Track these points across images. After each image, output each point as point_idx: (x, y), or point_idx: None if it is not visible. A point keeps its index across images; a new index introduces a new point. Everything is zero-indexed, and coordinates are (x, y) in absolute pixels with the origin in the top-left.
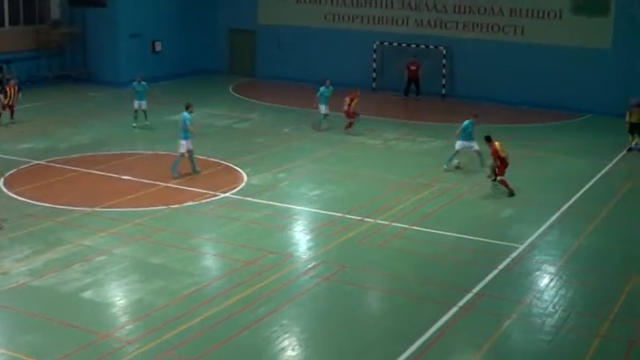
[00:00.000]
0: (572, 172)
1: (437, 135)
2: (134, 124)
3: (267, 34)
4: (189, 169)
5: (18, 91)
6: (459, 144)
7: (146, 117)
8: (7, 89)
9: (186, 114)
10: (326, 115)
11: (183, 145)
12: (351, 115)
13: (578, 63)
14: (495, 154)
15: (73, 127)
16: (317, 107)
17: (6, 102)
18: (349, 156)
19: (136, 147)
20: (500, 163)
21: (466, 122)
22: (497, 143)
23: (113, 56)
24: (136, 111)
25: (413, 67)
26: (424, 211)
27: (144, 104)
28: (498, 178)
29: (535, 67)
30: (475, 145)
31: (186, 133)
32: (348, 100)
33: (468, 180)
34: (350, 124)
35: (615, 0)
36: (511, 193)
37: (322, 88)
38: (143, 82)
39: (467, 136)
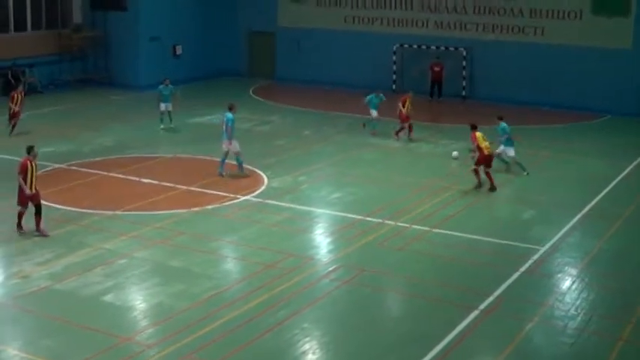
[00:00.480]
0: (592, 173)
1: (458, 137)
2: (162, 126)
3: (286, 37)
4: (235, 170)
5: (24, 97)
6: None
7: (171, 119)
8: (15, 95)
9: (230, 115)
10: (377, 119)
11: (232, 145)
12: (405, 119)
13: (599, 63)
14: (474, 142)
15: (95, 131)
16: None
17: (16, 108)
18: (370, 159)
19: (157, 150)
20: (479, 153)
21: (502, 125)
22: (479, 133)
23: (134, 60)
24: (162, 113)
25: (437, 69)
26: (445, 214)
27: (170, 106)
28: (472, 166)
29: (555, 68)
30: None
31: (225, 135)
32: (400, 103)
33: (489, 182)
34: (402, 129)
35: (636, 0)
36: (488, 187)
37: (371, 96)
38: (170, 85)
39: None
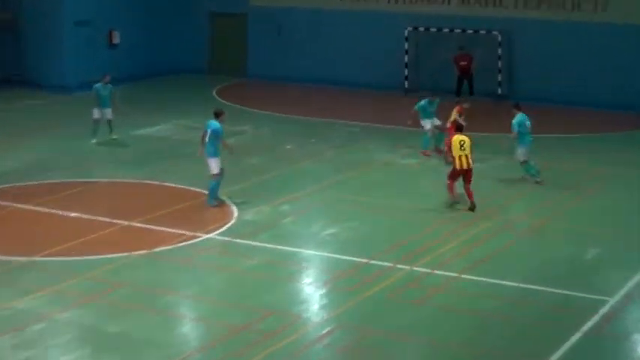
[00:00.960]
0: None
1: (493, 150)
2: (94, 140)
3: (262, 19)
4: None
5: None
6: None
7: (111, 130)
8: None
9: (215, 123)
10: (431, 130)
11: (215, 164)
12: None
13: None
14: (447, 146)
15: (3, 149)
16: (409, 124)
17: None
18: (375, 181)
19: (89, 173)
20: (453, 161)
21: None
22: (458, 138)
23: (56, 51)
24: (96, 122)
25: (463, 63)
26: (478, 254)
27: (109, 113)
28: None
29: (624, 57)
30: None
31: (216, 149)
32: (455, 112)
33: (539, 209)
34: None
35: None
36: (456, 202)
37: (424, 102)
38: (109, 84)
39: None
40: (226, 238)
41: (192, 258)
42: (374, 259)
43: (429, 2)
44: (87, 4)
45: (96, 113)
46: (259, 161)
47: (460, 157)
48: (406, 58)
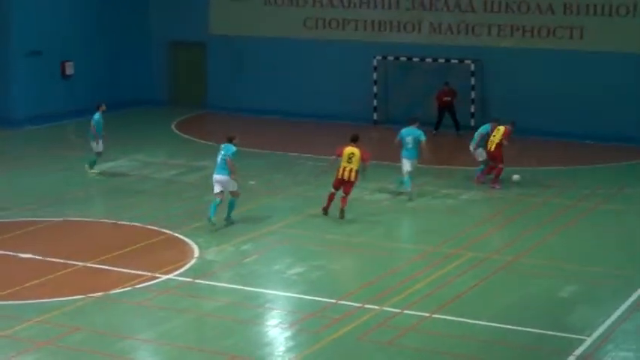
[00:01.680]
0: None
1: (466, 185)
2: (95, 170)
3: (223, 49)
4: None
5: None
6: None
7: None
8: None
9: (230, 146)
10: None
11: (233, 183)
12: (494, 157)
13: None
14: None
15: None
16: (474, 152)
17: None
18: (343, 218)
19: (40, 211)
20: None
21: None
22: (349, 149)
23: (4, 83)
24: (99, 154)
25: (447, 99)
26: (451, 293)
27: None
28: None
29: (600, 86)
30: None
31: (222, 169)
32: (504, 136)
33: (511, 245)
34: (491, 170)
35: None
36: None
37: (486, 126)
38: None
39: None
40: (186, 279)
41: (151, 300)
42: (342, 300)
43: (398, 31)
44: (38, 34)
45: (98, 145)
46: (221, 197)
47: (345, 168)
48: (375, 89)
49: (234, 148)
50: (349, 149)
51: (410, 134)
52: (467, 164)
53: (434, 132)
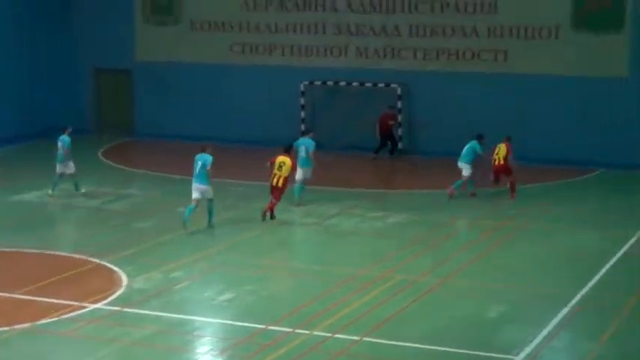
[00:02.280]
0: (582, 249)
1: (394, 208)
2: (83, 190)
3: (149, 75)
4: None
5: None
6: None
7: (56, 186)
8: None
9: (206, 156)
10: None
11: (210, 190)
12: (506, 170)
13: (585, 100)
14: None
15: None
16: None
17: None
18: (272, 242)
19: None
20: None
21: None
22: (280, 158)
23: None
24: (73, 175)
25: (391, 122)
26: (380, 316)
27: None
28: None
29: (524, 108)
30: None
31: (202, 178)
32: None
33: (439, 267)
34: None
35: (633, 9)
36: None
37: (477, 146)
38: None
39: None
40: (115, 308)
41: (79, 330)
42: (272, 325)
43: (325, 55)
44: None
45: (66, 168)
46: (150, 225)
47: (274, 175)
48: (302, 114)
49: (210, 158)
50: (280, 158)
51: (303, 144)
52: (395, 187)
53: (374, 156)
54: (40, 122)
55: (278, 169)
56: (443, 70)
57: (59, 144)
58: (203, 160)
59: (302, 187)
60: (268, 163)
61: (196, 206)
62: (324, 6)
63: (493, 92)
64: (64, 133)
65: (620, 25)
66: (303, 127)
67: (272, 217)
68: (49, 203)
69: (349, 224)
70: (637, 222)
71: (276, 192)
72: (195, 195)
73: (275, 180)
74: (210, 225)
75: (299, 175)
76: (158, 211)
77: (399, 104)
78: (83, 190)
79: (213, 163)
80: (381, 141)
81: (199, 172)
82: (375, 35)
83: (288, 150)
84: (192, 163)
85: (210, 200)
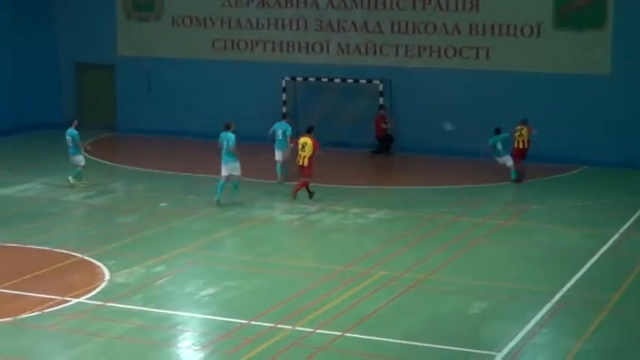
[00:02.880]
0: (565, 247)
1: (376, 204)
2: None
3: (131, 70)
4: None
5: None
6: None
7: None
8: None
9: (230, 134)
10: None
11: (226, 169)
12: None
13: (567, 96)
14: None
15: None
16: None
17: None
18: (254, 238)
19: None
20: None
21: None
22: (302, 140)
23: None
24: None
25: (384, 125)
26: (362, 312)
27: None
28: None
29: (506, 104)
30: None
31: (228, 156)
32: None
33: (422, 263)
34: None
35: (615, 6)
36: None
37: (502, 135)
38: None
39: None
40: (97, 302)
41: (61, 324)
42: (254, 320)
43: (307, 52)
44: None
45: (82, 160)
46: (132, 220)
47: (299, 156)
48: (284, 109)
49: (233, 136)
50: (303, 139)
51: (280, 127)
52: (378, 183)
53: (370, 154)
54: (21, 118)
55: (301, 150)
56: (425, 67)
57: (67, 137)
58: (227, 138)
59: (281, 167)
60: (292, 145)
61: (225, 182)
62: (305, 2)
63: (475, 89)
64: (71, 126)
65: (601, 22)
66: (283, 111)
67: (310, 195)
68: (32, 198)
69: (332, 220)
70: (620, 219)
71: (303, 170)
72: (224, 172)
73: (301, 160)
74: (233, 199)
75: (278, 156)
76: (140, 206)
77: (381, 100)
78: (85, 183)
79: (236, 141)
80: (379, 143)
81: (226, 150)
82: (356, 31)
83: (310, 131)
84: (173, 159)
85: (237, 177)
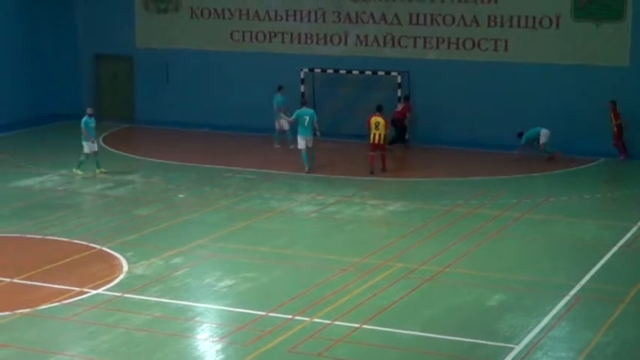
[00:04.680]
0: (583, 239)
1: (394, 196)
2: (81, 172)
3: (150, 62)
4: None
5: None
6: None
7: (99, 163)
8: None
9: (310, 110)
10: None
11: (304, 141)
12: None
13: (585, 88)
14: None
15: None
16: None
17: None
18: (271, 230)
19: None
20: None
21: None
22: (374, 118)
23: None
24: (87, 155)
25: (401, 116)
26: (380, 303)
27: (96, 146)
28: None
29: (525, 96)
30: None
31: (308, 130)
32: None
33: (440, 255)
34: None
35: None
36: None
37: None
38: (93, 117)
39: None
40: (116, 294)
41: (80, 315)
42: (272, 312)
43: (325, 43)
44: None
45: (87, 147)
46: (150, 211)
47: (374, 134)
48: (302, 101)
49: (313, 112)
50: (374, 119)
51: (306, 114)
52: (395, 175)
53: (404, 145)
54: (41, 109)
55: (375, 129)
56: (443, 59)
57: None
58: (310, 114)
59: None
60: (367, 125)
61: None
62: None
63: (493, 81)
64: (86, 114)
65: (620, 14)
66: (301, 100)
67: (384, 168)
68: (51, 189)
69: (349, 212)
70: (638, 212)
71: (381, 148)
72: (301, 145)
73: (376, 138)
74: (309, 168)
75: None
76: (158, 198)
77: (399, 92)
78: (104, 170)
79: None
80: (396, 132)
81: (307, 125)
82: (374, 23)
83: (380, 109)
84: (191, 151)
85: (311, 148)
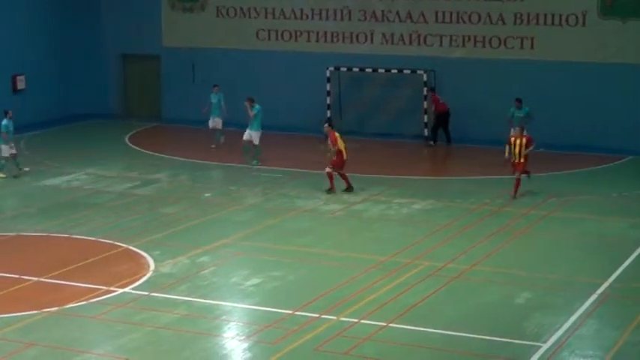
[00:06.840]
0: (610, 237)
1: (420, 194)
2: (3, 175)
3: (176, 61)
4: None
5: None
6: None
7: (19, 163)
8: None
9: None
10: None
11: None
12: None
13: (612, 86)
14: (334, 142)
15: None
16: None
17: None
18: (298, 228)
19: None
20: (338, 156)
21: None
22: (337, 134)
23: None
24: (10, 157)
25: (441, 108)
26: (407, 302)
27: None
28: (327, 169)
29: (551, 94)
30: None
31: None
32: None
33: (466, 254)
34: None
35: None
36: (337, 190)
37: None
38: (12, 120)
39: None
40: (143, 292)
41: (107, 314)
42: (299, 310)
43: (350, 41)
44: None
45: (5, 150)
46: (176, 210)
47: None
48: (328, 100)
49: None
50: (337, 135)
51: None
52: (422, 173)
53: (431, 143)
54: (68, 108)
55: (342, 142)
56: (469, 57)
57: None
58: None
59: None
60: (333, 148)
61: None
62: None
63: (519, 79)
64: (6, 116)
65: None
66: (328, 113)
67: (350, 188)
68: (78, 188)
69: (376, 211)
70: None
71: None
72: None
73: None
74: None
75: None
76: (185, 197)
77: (424, 91)
78: (3, 176)
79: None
80: (436, 122)
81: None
82: (400, 21)
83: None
84: (217, 150)
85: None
